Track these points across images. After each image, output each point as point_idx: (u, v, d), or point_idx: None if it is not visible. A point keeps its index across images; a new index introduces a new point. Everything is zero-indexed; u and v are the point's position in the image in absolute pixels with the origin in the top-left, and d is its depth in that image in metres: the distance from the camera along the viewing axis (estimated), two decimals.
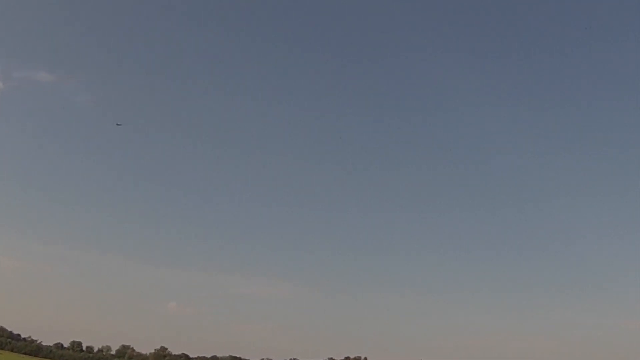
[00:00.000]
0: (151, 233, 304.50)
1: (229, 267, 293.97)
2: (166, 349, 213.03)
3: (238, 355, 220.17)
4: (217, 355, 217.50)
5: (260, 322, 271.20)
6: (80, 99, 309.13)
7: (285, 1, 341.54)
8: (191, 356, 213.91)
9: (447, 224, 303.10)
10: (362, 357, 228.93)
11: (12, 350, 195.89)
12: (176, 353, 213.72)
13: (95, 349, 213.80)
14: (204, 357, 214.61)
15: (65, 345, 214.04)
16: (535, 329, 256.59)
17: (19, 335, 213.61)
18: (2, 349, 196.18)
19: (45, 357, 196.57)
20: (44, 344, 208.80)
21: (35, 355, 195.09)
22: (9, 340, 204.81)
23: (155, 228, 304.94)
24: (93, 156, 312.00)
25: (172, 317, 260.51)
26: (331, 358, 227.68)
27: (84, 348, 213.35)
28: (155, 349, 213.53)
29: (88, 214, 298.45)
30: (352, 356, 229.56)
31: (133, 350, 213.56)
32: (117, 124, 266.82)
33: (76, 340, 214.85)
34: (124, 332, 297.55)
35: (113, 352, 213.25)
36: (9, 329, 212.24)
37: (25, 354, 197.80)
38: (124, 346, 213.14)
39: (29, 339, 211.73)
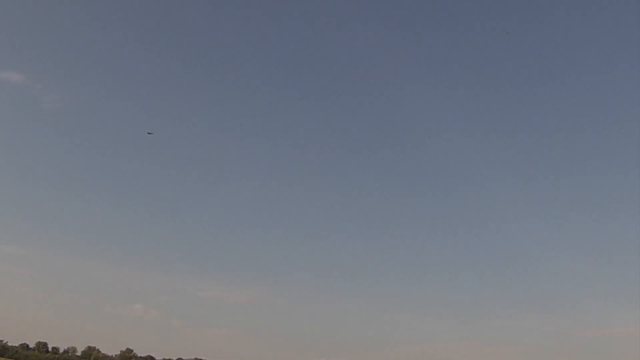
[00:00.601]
0: (118, 234, 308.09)
1: (196, 271, 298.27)
2: (132, 350, 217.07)
3: (204, 358, 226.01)
4: (183, 358, 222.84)
5: (227, 325, 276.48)
6: (50, 99, 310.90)
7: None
8: (157, 358, 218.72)
9: (404, 241, 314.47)
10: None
11: None
12: (142, 355, 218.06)
13: (61, 350, 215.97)
14: (169, 359, 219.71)
15: (31, 345, 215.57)
16: (488, 338, 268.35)
17: None
18: None
19: (10, 358, 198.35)
20: (9, 344, 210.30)
21: (1, 356, 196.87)
22: None
23: (123, 229, 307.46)
24: (59, 156, 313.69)
25: (138, 319, 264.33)
26: None
27: (49, 349, 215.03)
28: (121, 351, 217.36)
29: (54, 214, 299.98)
30: (314, 358, 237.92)
31: (99, 351, 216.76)
32: (149, 133, 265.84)
33: (42, 341, 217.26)
34: (89, 334, 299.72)
35: (79, 353, 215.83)
36: None
37: None
38: (89, 347, 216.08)
39: None
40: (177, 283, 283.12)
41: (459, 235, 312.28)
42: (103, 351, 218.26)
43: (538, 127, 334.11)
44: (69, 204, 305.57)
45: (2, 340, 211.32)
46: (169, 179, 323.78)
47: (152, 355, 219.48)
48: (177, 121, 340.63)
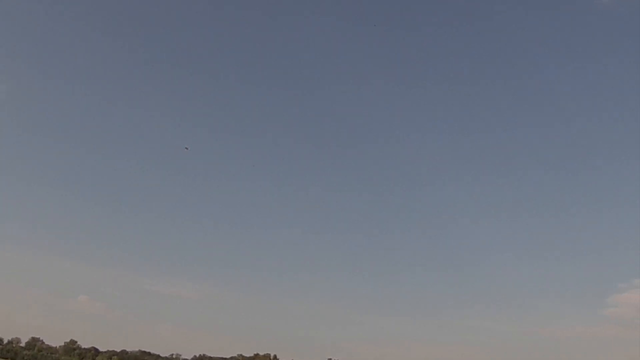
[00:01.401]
0: (63, 226, 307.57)
1: (143, 264, 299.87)
2: (76, 342, 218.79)
3: (147, 350, 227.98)
4: (127, 350, 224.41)
5: (171, 319, 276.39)
6: None
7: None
8: (101, 350, 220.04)
9: (361, 240, 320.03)
10: (272, 355, 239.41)
11: None
12: (86, 347, 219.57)
13: (5, 341, 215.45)
14: (113, 351, 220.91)
15: None
16: (447, 336, 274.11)
17: None
18: None
19: None
20: None
21: None
22: None
23: (68, 221, 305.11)
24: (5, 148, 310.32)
25: (83, 311, 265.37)
26: (240, 355, 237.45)
27: None
28: (65, 342, 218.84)
29: (2, 206, 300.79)
30: (261, 353, 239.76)
31: (43, 342, 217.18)
32: (185, 148, 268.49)
33: None
34: (33, 325, 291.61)
35: (22, 344, 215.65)
36: None
37: None
38: (33, 338, 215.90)
39: None
40: (122, 276, 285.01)
41: (416, 236, 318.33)
42: (47, 342, 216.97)
43: (488, 129, 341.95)
44: (11, 194, 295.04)
45: None
46: (116, 170, 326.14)
47: (96, 347, 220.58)
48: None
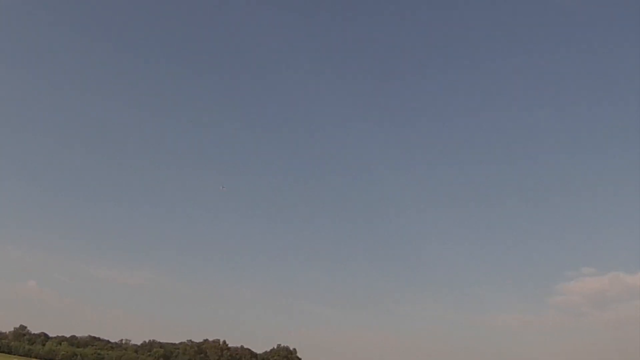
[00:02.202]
0: (12, 211, 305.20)
1: (93, 251, 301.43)
2: (25, 327, 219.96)
3: (97, 336, 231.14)
4: (76, 335, 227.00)
5: (120, 305, 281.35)
6: None
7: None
8: (50, 335, 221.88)
9: (305, 229, 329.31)
10: (221, 340, 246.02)
11: None
12: (35, 332, 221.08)
13: None
14: (63, 336, 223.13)
15: None
16: (391, 323, 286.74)
17: None
18: None
19: None
20: None
21: None
22: None
23: (16, 208, 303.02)
24: None
25: (32, 297, 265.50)
26: (190, 340, 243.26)
27: None
28: (14, 327, 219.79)
29: None
30: (210, 339, 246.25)
31: None
32: (222, 187, 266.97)
33: None
34: None
35: None
36: None
37: None
38: None
39: None
40: (71, 262, 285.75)
41: (358, 225, 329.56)
42: None
43: (435, 120, 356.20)
44: None
45: None
46: (62, 156, 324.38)
47: (46, 332, 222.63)
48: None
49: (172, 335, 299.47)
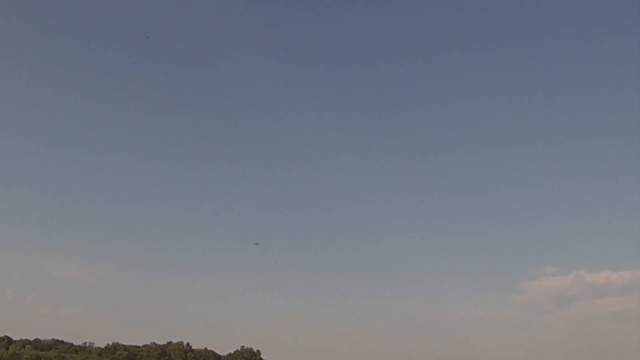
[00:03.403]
0: None
1: (50, 248, 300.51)
2: None
3: (61, 339, 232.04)
4: (40, 338, 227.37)
5: (82, 303, 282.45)
6: None
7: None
8: (14, 338, 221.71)
9: (257, 218, 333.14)
10: (185, 342, 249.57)
11: None
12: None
13: None
14: (26, 339, 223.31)
15: None
16: (341, 317, 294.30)
17: None
18: None
19: None
20: None
21: None
22: None
23: None
24: None
25: None
26: (154, 342, 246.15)
27: None
28: None
29: None
30: (174, 341, 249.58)
31: None
32: (256, 244, 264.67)
33: None
34: None
35: None
36: None
37: None
38: None
39: None
40: (28, 258, 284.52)
41: (312, 215, 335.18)
42: None
43: (383, 114, 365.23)
44: None
45: None
46: (15, 153, 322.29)
47: (9, 335, 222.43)
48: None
49: (136, 336, 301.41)
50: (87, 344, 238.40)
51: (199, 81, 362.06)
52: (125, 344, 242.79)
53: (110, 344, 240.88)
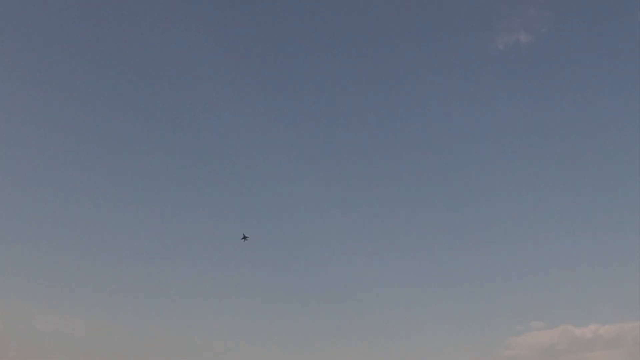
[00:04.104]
0: None
1: (31, 299, 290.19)
2: None
3: None
4: None
5: (67, 358, 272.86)
6: None
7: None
8: None
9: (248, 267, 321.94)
10: None
11: None
12: None
13: None
14: None
15: None
16: None
17: None
18: None
19: None
20: None
21: None
22: None
23: None
24: None
25: None
26: None
27: None
28: None
29: None
30: None
31: None
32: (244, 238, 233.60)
33: None
34: None
35: None
36: None
37: None
38: None
39: None
40: (12, 311, 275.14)
41: (295, 267, 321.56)
42: None
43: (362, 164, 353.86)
44: None
45: None
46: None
47: None
48: None
49: None
50: None
51: (186, 126, 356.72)
52: None
53: None
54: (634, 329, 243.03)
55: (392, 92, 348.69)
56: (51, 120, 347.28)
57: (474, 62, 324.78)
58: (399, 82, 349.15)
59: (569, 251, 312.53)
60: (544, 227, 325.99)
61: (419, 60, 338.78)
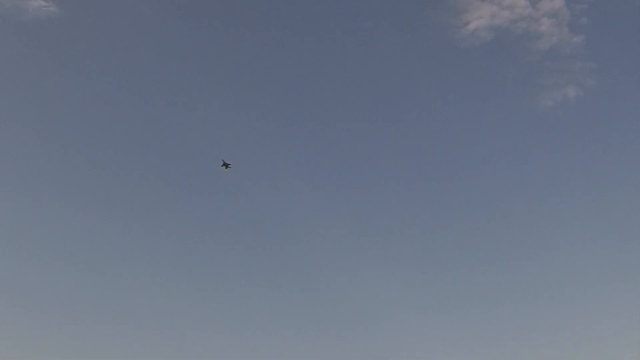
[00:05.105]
0: None
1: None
2: None
3: None
4: None
5: None
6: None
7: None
8: None
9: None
10: None
11: None
12: None
13: None
14: None
15: None
16: None
17: None
18: None
19: None
20: None
21: None
22: None
23: None
24: None
25: None
26: None
27: None
28: None
29: None
30: None
31: None
32: (224, 165, 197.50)
33: None
34: None
35: None
36: None
37: None
38: None
39: None
40: None
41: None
42: None
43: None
44: None
45: None
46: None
47: None
48: None
49: None
50: None
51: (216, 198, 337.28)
52: None
53: None
54: None
55: (443, 159, 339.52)
56: None
57: (523, 121, 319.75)
58: (450, 148, 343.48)
59: (574, 309, 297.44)
60: (551, 283, 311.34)
61: (468, 125, 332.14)
